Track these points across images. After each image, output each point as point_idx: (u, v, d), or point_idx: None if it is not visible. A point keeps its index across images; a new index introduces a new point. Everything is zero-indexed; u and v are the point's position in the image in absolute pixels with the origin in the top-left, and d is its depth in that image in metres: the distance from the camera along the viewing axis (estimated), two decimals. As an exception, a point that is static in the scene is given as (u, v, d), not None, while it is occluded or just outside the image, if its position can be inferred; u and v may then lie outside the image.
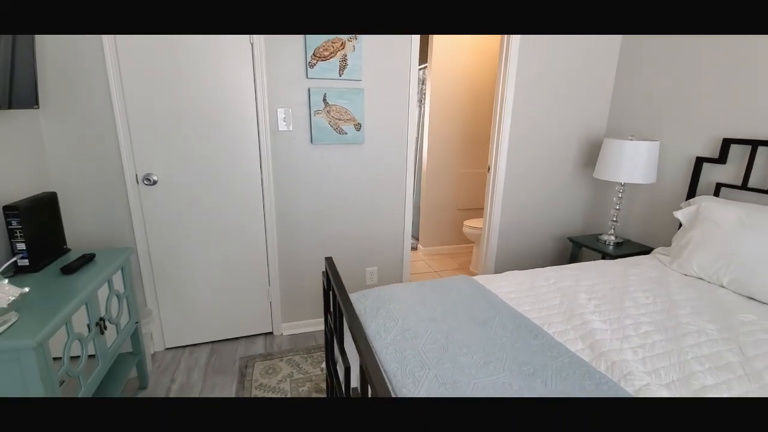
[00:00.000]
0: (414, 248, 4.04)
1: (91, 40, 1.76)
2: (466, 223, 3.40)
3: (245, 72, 1.98)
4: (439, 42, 3.38)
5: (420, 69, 3.77)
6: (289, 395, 1.93)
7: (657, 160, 2.31)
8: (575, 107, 2.63)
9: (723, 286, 1.67)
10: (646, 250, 2.34)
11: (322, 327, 2.54)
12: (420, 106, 3.84)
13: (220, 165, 2.06)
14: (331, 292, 1.51)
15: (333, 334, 1.52)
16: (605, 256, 2.36)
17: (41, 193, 1.62)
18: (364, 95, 2.17)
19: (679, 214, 2.02)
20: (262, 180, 2.15)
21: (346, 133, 2.19)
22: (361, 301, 1.49)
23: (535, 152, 2.64)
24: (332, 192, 2.31)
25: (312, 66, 2.03)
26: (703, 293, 1.61)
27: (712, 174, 2.13)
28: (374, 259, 2.52)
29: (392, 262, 2.57)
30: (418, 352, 1.15)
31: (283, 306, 2.43)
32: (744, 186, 1.96)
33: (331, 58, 2.04)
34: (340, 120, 2.15)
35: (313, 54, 2.01)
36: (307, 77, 2.05)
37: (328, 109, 2.11)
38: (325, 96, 2.09)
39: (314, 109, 2.09)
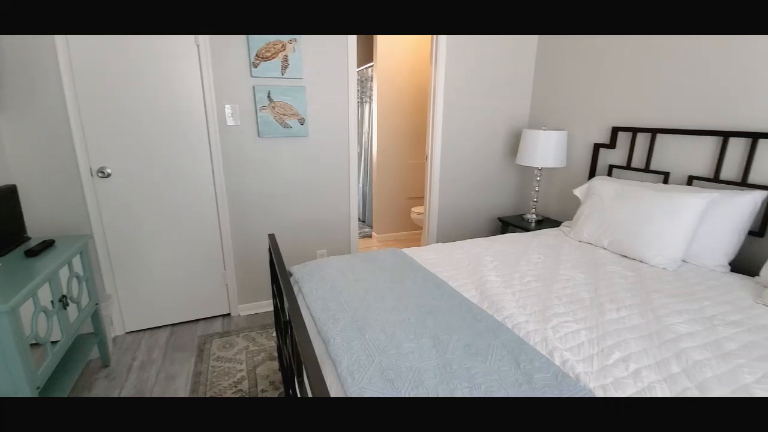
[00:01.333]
0: (368, 236, 4.31)
1: (44, 39, 1.88)
2: (413, 209, 3.70)
3: (193, 71, 2.16)
4: (383, 42, 3.64)
5: (367, 67, 4.03)
6: (244, 364, 2.14)
7: (566, 147, 2.68)
8: (500, 101, 2.97)
9: (604, 248, 2.04)
10: (559, 224, 2.71)
11: (278, 307, 2.76)
12: (369, 102, 4.10)
13: (172, 158, 2.23)
14: (273, 265, 1.74)
15: (277, 299, 1.76)
16: (527, 231, 2.71)
17: (1, 185, 1.75)
18: (305, 92, 2.39)
19: (577, 192, 2.38)
20: (212, 171, 2.33)
21: (291, 127, 2.41)
22: (300, 270, 1.73)
23: (466, 142, 2.95)
24: (281, 181, 2.52)
25: (255, 66, 2.23)
26: (586, 253, 1.96)
27: (606, 157, 2.52)
28: (324, 242, 2.76)
29: (341, 244, 2.82)
30: (341, 302, 1.41)
31: (239, 288, 2.62)
32: (628, 166, 2.36)
33: (273, 58, 2.25)
34: (284, 115, 2.37)
35: (256, 55, 2.22)
36: (251, 76, 2.25)
37: (272, 105, 2.32)
38: (269, 93, 2.30)
39: (260, 105, 2.30)
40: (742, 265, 1.82)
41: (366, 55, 4.45)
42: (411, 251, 1.98)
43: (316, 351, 1.19)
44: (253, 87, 2.28)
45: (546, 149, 2.61)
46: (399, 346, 1.13)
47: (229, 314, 2.66)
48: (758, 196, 1.74)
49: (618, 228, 1.99)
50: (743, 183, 1.85)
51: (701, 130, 1.98)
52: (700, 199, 1.78)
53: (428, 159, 2.96)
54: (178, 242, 2.38)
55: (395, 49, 3.69)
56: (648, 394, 0.98)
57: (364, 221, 4.74)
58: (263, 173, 2.46)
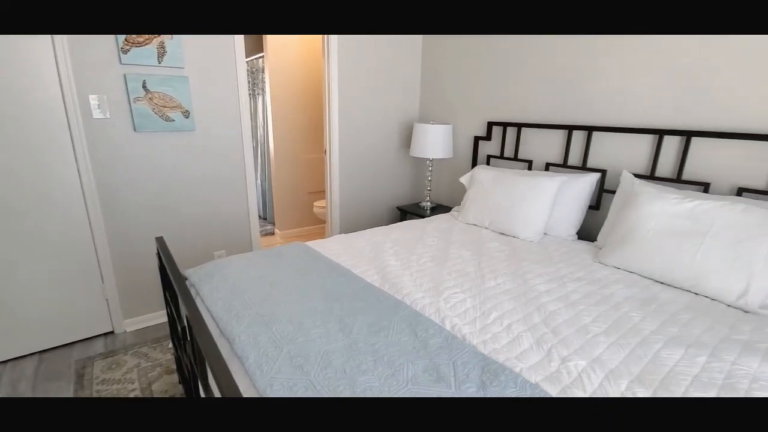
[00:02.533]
0: (271, 233, 4.19)
1: None
2: (316, 204, 3.70)
3: (45, 57, 1.84)
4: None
5: (257, 58, 3.87)
6: (137, 383, 1.94)
7: (452, 140, 2.96)
8: (393, 97, 3.13)
9: (486, 228, 2.33)
10: (450, 210, 2.99)
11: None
12: (262, 95, 3.95)
13: (22, 161, 1.89)
14: (164, 270, 1.61)
15: (171, 306, 1.64)
16: (423, 218, 2.93)
17: None
18: (189, 83, 2.23)
19: (463, 180, 2.66)
20: (78, 170, 2.03)
21: (174, 121, 2.22)
22: (196, 273, 1.64)
23: (363, 137, 3.06)
24: (167, 179, 2.32)
25: (125, 52, 2.00)
26: (472, 234, 2.22)
27: (485, 148, 2.86)
28: (222, 242, 2.62)
29: (242, 243, 2.71)
30: (245, 300, 1.38)
31: (123, 301, 2.35)
32: (502, 155, 2.71)
33: (146, 44, 2.05)
34: (165, 107, 2.18)
35: (126, 39, 1.99)
36: (121, 63, 2.01)
37: (150, 96, 2.11)
38: (144, 83, 2.08)
39: (133, 96, 2.07)
40: (585, 233, 2.25)
41: (256, 45, 4.26)
42: (315, 244, 2.01)
43: (221, 351, 1.16)
44: (124, 75, 2.04)
45: (435, 142, 2.86)
46: (307, 334, 1.17)
47: (112, 332, 2.36)
48: (594, 177, 2.17)
49: (496, 210, 2.29)
50: (584, 167, 2.28)
51: (554, 124, 2.38)
52: (553, 182, 2.15)
53: (327, 153, 2.99)
54: (40, 256, 2.02)
55: (285, 40, 3.61)
56: (517, 344, 1.18)
57: (265, 219, 4.58)
58: (144, 171, 2.23)
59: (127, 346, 2.24)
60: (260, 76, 3.92)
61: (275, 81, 3.65)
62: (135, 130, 2.13)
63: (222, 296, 1.42)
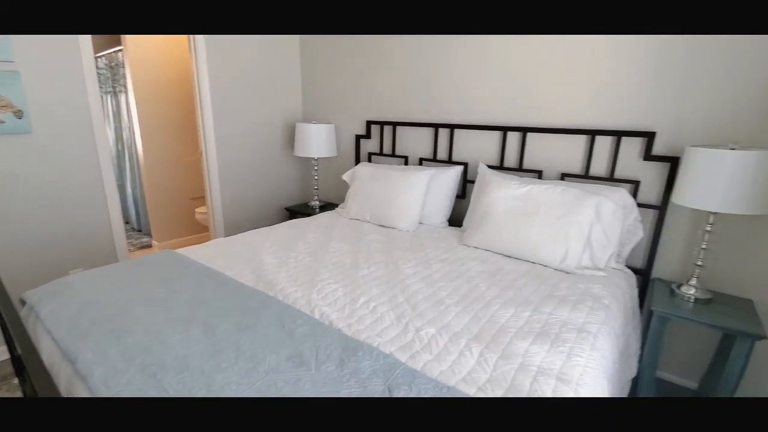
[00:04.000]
0: (148, 245, 3.80)
1: None
2: (198, 210, 3.47)
3: None
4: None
5: (116, 51, 3.48)
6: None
7: (335, 138, 3.04)
8: (274, 97, 3.09)
9: (367, 221, 2.45)
10: (337, 208, 3.07)
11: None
12: (124, 93, 3.56)
13: None
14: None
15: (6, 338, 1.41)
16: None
17: None
18: (21, 78, 1.92)
19: (345, 177, 2.76)
20: None
21: (3, 122, 1.90)
22: (36, 294, 1.43)
23: (243, 137, 2.96)
24: (-4, 191, 1.96)
25: None
26: (354, 228, 2.32)
27: (365, 146, 2.99)
28: (78, 259, 2.30)
29: (104, 259, 2.41)
30: (95, 317, 1.26)
31: (-59, 342, 1.93)
32: (381, 152, 2.87)
33: (-49, 30, 1.70)
34: (-14, 106, 1.84)
35: None
36: None
37: (-38, 92, 1.77)
38: (-47, 76, 1.74)
39: (-63, 92, 1.71)
40: (454, 220, 2.52)
41: (113, 36, 3.80)
42: (186, 250, 1.90)
43: (62, 375, 1.05)
44: None
45: (318, 141, 2.90)
46: (164, 342, 1.12)
47: (-73, 381, 1.92)
48: (458, 169, 2.43)
49: (375, 203, 2.42)
50: (450, 161, 2.55)
51: (423, 122, 2.60)
52: (424, 175, 2.36)
53: (203, 155, 2.83)
54: None
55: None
56: (380, 322, 1.29)
57: (140, 230, 4.12)
58: (-39, 182, 1.86)
59: (-51, 394, 1.84)
60: (122, 71, 3.52)
61: (138, 76, 3.31)
62: (-59, 132, 1.76)
63: (68, 315, 1.27)
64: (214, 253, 1.85)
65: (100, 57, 3.75)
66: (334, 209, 3.00)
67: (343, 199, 3.23)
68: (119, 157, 4.01)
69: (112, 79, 3.69)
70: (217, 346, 1.10)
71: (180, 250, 1.89)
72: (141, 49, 3.27)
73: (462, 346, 1.16)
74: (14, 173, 2.00)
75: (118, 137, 3.93)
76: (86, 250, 2.32)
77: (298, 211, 3.04)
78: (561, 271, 1.78)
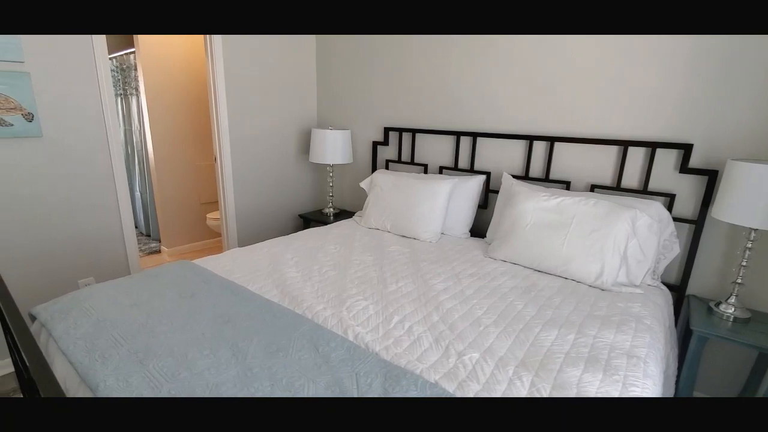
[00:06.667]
0: (157, 251, 3.72)
1: None
2: (209, 215, 3.39)
3: None
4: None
5: (128, 53, 3.42)
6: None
7: (351, 145, 2.97)
8: (288, 101, 3.02)
9: (388, 231, 2.37)
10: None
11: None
12: (136, 96, 3.50)
13: None
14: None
15: (16, 354, 1.33)
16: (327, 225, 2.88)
17: None
18: (31, 79, 1.85)
19: (363, 185, 2.68)
20: None
21: (12, 125, 1.82)
22: (47, 310, 1.35)
23: (258, 142, 2.89)
24: (3, 197, 1.88)
25: (-68, 38, 1.58)
26: (375, 238, 2.24)
27: (383, 153, 2.92)
28: (89, 267, 2.22)
29: (116, 267, 2.33)
30: (113, 336, 1.18)
31: (-54, 354, 1.84)
32: (399, 160, 2.80)
33: (-35, 30, 1.64)
34: (-2, 109, 1.77)
35: (-68, 22, 1.56)
36: (-75, 52, 1.58)
37: (-27, 94, 1.70)
38: (-35, 78, 1.67)
39: (-52, 94, 1.64)
40: (476, 230, 2.44)
41: (125, 38, 3.75)
42: (203, 261, 1.82)
43: (79, 403, 0.96)
44: (-67, 67, 1.60)
45: (334, 147, 2.83)
46: (192, 367, 1.04)
47: (-70, 395, 1.84)
48: (480, 179, 2.35)
49: (396, 212, 2.34)
50: (472, 170, 2.47)
51: (444, 130, 2.53)
52: (446, 184, 2.28)
53: (217, 160, 2.76)
54: None
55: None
56: (418, 345, 1.21)
57: (149, 235, 4.05)
58: (-29, 188, 1.79)
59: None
60: (133, 74, 3.46)
61: (151, 79, 3.24)
62: (-49, 136, 1.69)
63: (82, 334, 1.19)
64: (233, 265, 1.77)
65: (110, 59, 3.68)
66: (349, 217, 2.92)
67: (358, 207, 3.15)
68: (128, 160, 3.94)
69: (122, 81, 3.63)
70: (249, 373, 1.02)
71: (197, 261, 1.80)
72: (154, 51, 3.21)
73: (510, 374, 1.08)
74: (23, 178, 1.92)
75: (128, 140, 3.86)
76: (96, 257, 2.24)
77: (312, 218, 2.97)
78: (596, 287, 1.70)
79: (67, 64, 1.96)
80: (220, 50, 2.52)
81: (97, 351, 1.11)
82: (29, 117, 1.87)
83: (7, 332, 1.41)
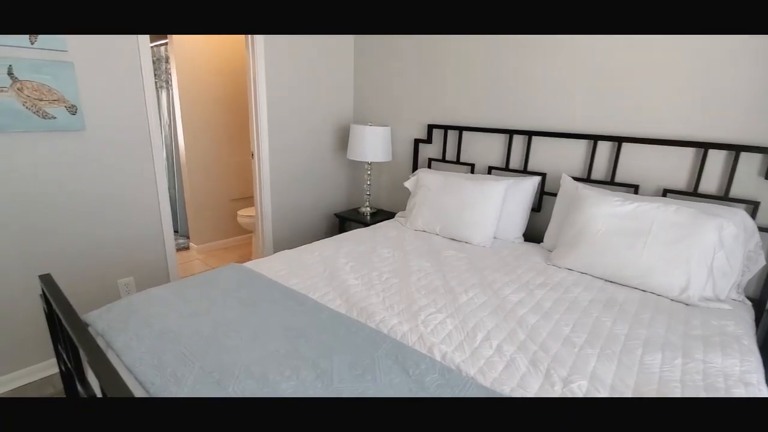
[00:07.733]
0: (185, 248, 3.65)
1: None
2: (240, 212, 3.30)
3: None
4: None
5: (160, 45, 3.33)
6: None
7: (390, 142, 2.84)
8: (326, 98, 2.90)
9: (437, 234, 2.25)
10: (392, 216, 2.87)
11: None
12: (167, 88, 3.41)
13: None
14: (55, 317, 1.21)
15: (68, 367, 1.24)
16: (365, 225, 2.76)
17: None
18: (75, 70, 1.75)
19: (407, 184, 2.56)
20: None
21: (55, 118, 1.73)
22: (103, 318, 1.26)
23: (295, 138, 2.78)
24: (45, 194, 1.80)
25: (-21, 24, 1.48)
26: (425, 241, 2.12)
27: (425, 151, 2.79)
28: (127, 267, 2.14)
29: (153, 267, 2.24)
30: (181, 352, 1.07)
31: (-15, 356, 1.77)
32: (443, 159, 2.67)
33: (12, 16, 1.54)
34: (41, 101, 1.68)
35: (-21, 7, 1.47)
36: (-28, 39, 1.49)
37: (18, 85, 1.60)
38: (10, 68, 1.57)
39: (-6, 85, 1.55)
40: (530, 235, 2.30)
41: (156, 31, 3.66)
42: (255, 264, 1.72)
43: None
44: (-23, 56, 1.51)
45: (374, 144, 2.71)
46: (276, 390, 0.93)
47: (-31, 398, 1.77)
48: (535, 180, 2.22)
49: (446, 215, 2.22)
50: (524, 171, 2.33)
51: (495, 128, 2.39)
52: (501, 185, 2.15)
53: (255, 157, 2.66)
54: None
55: (198, 27, 3.14)
56: (513, 368, 1.09)
57: (177, 231, 3.97)
58: (10, 184, 1.70)
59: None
60: (164, 66, 3.37)
61: (184, 72, 3.15)
62: (-4, 129, 1.60)
63: (147, 348, 1.09)
64: (287, 270, 1.66)
65: (140, 50, 3.60)
66: (387, 217, 2.81)
67: (395, 206, 3.04)
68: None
69: (154, 74, 3.54)
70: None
71: (249, 265, 1.70)
72: (187, 44, 3.11)
73: (630, 407, 0.96)
74: (68, 174, 1.83)
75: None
76: (133, 257, 2.15)
77: (348, 217, 2.86)
78: (680, 302, 1.56)
79: (111, 53, 1.86)
80: (262, 48, 2.41)
81: (168, 368, 1.00)
82: (73, 110, 1.78)
83: (58, 340, 1.32)
